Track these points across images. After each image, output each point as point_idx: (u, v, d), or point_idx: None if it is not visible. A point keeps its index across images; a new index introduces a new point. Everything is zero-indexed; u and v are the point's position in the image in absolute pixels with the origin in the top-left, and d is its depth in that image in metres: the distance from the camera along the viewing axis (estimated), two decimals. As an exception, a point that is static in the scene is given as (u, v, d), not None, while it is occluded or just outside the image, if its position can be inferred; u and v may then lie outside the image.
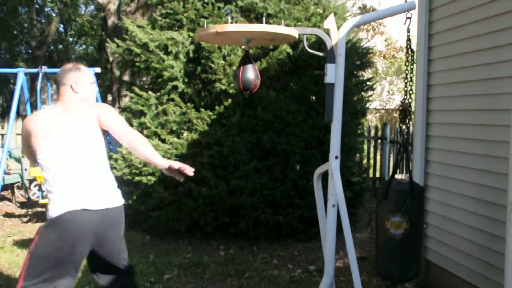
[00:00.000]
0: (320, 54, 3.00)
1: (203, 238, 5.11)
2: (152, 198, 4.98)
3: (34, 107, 8.48)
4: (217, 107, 5.04)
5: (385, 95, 13.74)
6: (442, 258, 3.66)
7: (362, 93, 5.89)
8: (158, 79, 5.23)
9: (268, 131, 5.04)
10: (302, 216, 5.00)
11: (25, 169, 6.91)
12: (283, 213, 4.98)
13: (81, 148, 2.42)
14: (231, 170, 4.95)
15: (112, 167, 4.73)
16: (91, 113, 2.47)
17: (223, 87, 4.99)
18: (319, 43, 5.04)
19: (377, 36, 14.17)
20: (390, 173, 3.34)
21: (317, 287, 3.09)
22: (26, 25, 20.47)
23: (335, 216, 2.94)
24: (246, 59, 2.86)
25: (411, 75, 3.29)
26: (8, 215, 6.32)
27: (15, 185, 7.17)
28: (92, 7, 22.71)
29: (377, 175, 7.75)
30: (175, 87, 5.19)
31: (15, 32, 20.35)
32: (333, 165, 2.90)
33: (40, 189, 6.23)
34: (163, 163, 2.42)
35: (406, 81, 3.28)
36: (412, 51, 3.26)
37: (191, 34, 5.16)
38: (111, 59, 11.53)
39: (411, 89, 3.30)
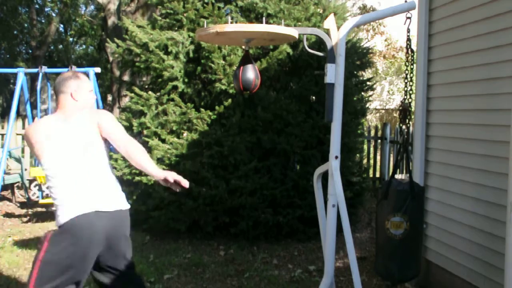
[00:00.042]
0: (320, 54, 3.00)
1: (203, 238, 5.11)
2: (152, 198, 4.98)
3: (34, 107, 8.49)
4: (217, 107, 5.04)
5: (385, 95, 13.74)
6: (442, 258, 3.66)
7: (362, 93, 5.89)
8: (158, 79, 5.23)
9: (268, 131, 5.04)
10: (302, 216, 5.00)
11: (25, 169, 6.91)
12: (283, 213, 4.98)
13: (84, 155, 2.44)
14: (231, 170, 4.95)
15: (112, 167, 4.73)
16: (91, 120, 2.50)
17: (223, 87, 4.99)
18: (319, 43, 5.04)
19: (377, 36, 14.17)
20: (390, 173, 3.34)
21: (317, 287, 3.09)
22: (26, 25, 20.48)
23: (335, 216, 2.94)
24: (246, 59, 2.86)
25: (411, 75, 3.29)
26: (8, 215, 6.32)
27: (15, 185, 7.17)
28: (92, 7, 22.72)
29: (377, 175, 7.75)
30: (175, 87, 5.19)
31: (15, 32, 20.36)
32: (333, 165, 2.90)
33: (40, 189, 6.23)
34: (159, 174, 2.38)
35: (406, 81, 3.28)
36: (412, 51, 3.26)
37: (191, 34, 5.16)
38: (111, 59, 11.53)
39: (411, 89, 3.30)
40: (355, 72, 5.66)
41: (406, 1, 3.01)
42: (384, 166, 7.58)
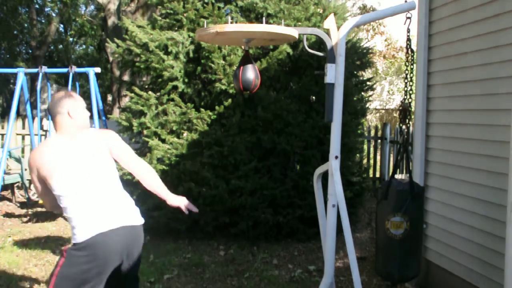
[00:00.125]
0: (320, 54, 3.00)
1: (203, 238, 5.11)
2: (152, 198, 4.96)
3: (34, 107, 8.49)
4: (217, 107, 5.04)
5: (385, 95, 13.73)
6: (442, 258, 3.66)
7: (362, 93, 5.89)
8: (158, 79, 5.23)
9: (268, 131, 5.04)
10: (302, 216, 5.00)
11: (25, 169, 6.90)
12: (283, 213, 4.98)
13: (95, 174, 2.45)
14: (231, 170, 4.95)
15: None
16: (99, 139, 2.53)
17: (223, 87, 4.99)
18: (319, 43, 5.04)
19: (377, 36, 14.17)
20: (390, 173, 3.34)
21: (317, 287, 3.09)
22: (26, 25, 20.48)
23: (335, 216, 2.94)
24: (246, 59, 2.87)
25: (411, 75, 3.29)
26: (8, 215, 6.32)
27: (15, 185, 7.17)
28: (92, 7, 22.72)
29: (377, 175, 7.75)
30: (175, 87, 5.19)
31: (15, 32, 20.36)
32: (333, 165, 2.90)
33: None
34: (173, 201, 2.62)
35: (406, 81, 3.29)
36: (412, 51, 3.26)
37: (191, 34, 5.16)
38: (111, 59, 11.54)
39: (411, 89, 3.31)
40: (355, 72, 5.66)
41: (406, 1, 3.01)
42: (384, 166, 7.58)
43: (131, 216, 2.51)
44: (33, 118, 6.36)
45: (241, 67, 2.84)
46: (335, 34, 2.90)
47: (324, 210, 3.16)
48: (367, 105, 6.13)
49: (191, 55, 5.17)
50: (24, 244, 4.97)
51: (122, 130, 5.40)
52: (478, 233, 3.24)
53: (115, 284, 2.51)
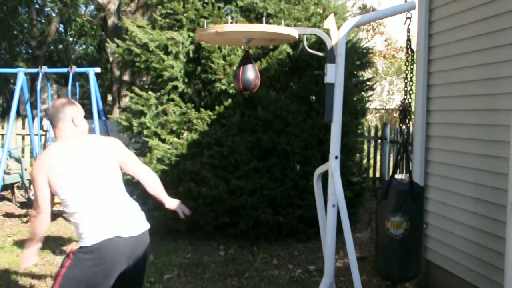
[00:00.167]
0: (320, 54, 3.00)
1: (203, 238, 5.11)
2: (152, 198, 4.96)
3: (34, 107, 8.49)
4: (217, 107, 5.04)
5: (385, 95, 13.74)
6: (442, 258, 3.65)
7: (362, 93, 5.89)
8: (158, 79, 5.23)
9: (268, 131, 5.04)
10: (302, 216, 5.00)
11: (25, 169, 6.91)
12: (283, 213, 4.98)
13: (102, 179, 2.47)
14: (231, 170, 4.95)
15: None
16: (105, 146, 2.55)
17: (223, 87, 4.99)
18: (319, 43, 5.04)
19: (377, 36, 14.17)
20: (390, 173, 3.34)
21: (317, 287, 3.09)
22: (26, 25, 20.49)
23: (335, 216, 2.94)
24: (246, 59, 2.86)
25: (411, 75, 3.29)
26: (8, 215, 6.32)
27: (15, 185, 7.17)
28: (92, 7, 22.73)
29: (377, 175, 7.75)
30: (175, 87, 5.19)
31: (15, 32, 20.36)
32: (333, 165, 2.90)
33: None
34: (172, 205, 2.88)
35: (406, 81, 3.29)
36: (412, 51, 3.26)
37: (191, 34, 5.16)
38: (111, 59, 11.54)
39: (411, 89, 3.31)
40: (355, 72, 5.66)
41: (406, 1, 3.01)
42: (384, 166, 7.58)
43: (139, 223, 2.54)
44: (33, 118, 6.36)
45: (241, 67, 2.84)
46: (335, 34, 2.90)
47: (324, 210, 3.16)
48: (367, 105, 6.13)
49: (191, 55, 5.17)
50: (24, 244, 4.96)
51: (122, 130, 5.40)
52: (478, 233, 3.24)
53: (121, 287, 2.52)
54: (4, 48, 21.20)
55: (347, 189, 5.07)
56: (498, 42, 3.08)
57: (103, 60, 20.07)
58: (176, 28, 5.33)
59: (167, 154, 5.00)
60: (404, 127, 3.31)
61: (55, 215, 6.21)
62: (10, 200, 7.09)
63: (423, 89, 3.85)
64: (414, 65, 3.39)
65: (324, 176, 3.13)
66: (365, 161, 7.41)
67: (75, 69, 5.57)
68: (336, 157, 2.90)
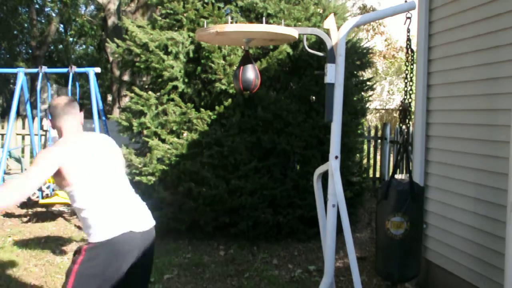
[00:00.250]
0: (320, 54, 3.00)
1: (203, 238, 5.11)
2: (152, 198, 4.98)
3: (34, 107, 8.49)
4: (217, 107, 5.04)
5: (385, 95, 13.73)
6: (442, 258, 3.66)
7: (362, 93, 5.89)
8: (158, 79, 5.23)
9: (268, 131, 5.04)
10: (302, 216, 5.00)
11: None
12: (283, 213, 4.98)
13: (115, 174, 2.50)
14: (231, 170, 4.95)
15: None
16: (109, 142, 2.61)
17: (223, 87, 4.99)
18: (319, 43, 5.04)
19: (377, 36, 14.17)
20: (390, 173, 3.34)
21: (317, 287, 3.09)
22: (26, 25, 20.49)
23: (335, 216, 2.94)
24: (246, 59, 2.86)
25: (411, 75, 3.29)
26: (8, 215, 6.32)
27: (15, 185, 7.15)
28: (92, 7, 22.73)
29: (377, 175, 7.75)
30: (175, 87, 5.19)
31: (15, 32, 20.37)
32: (333, 165, 2.90)
33: (40, 189, 6.23)
34: None
35: (406, 81, 3.29)
36: (412, 51, 3.26)
37: (191, 34, 5.16)
38: (111, 59, 11.54)
39: (411, 89, 3.30)
40: (355, 72, 5.66)
41: (406, 1, 3.01)
42: (384, 166, 7.58)
43: (148, 219, 2.58)
44: (33, 118, 6.36)
45: (241, 67, 2.84)
46: (335, 34, 2.90)
47: (324, 210, 3.16)
48: (367, 105, 6.13)
49: (191, 55, 5.17)
50: (24, 244, 4.97)
51: (122, 130, 5.40)
52: (478, 233, 3.24)
53: (131, 284, 2.52)
54: (4, 48, 21.20)
55: (347, 189, 5.07)
56: (498, 42, 3.08)
57: (103, 60, 20.08)
58: (176, 28, 5.33)
59: (167, 154, 5.00)
60: (404, 127, 3.31)
61: (55, 215, 6.21)
62: (10, 200, 7.07)
63: (423, 89, 3.85)
64: (414, 65, 3.39)
65: (324, 176, 3.13)
66: (365, 161, 7.41)
67: (75, 69, 5.57)
68: (336, 157, 2.90)
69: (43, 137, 7.44)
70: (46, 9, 20.64)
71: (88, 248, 2.37)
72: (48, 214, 6.21)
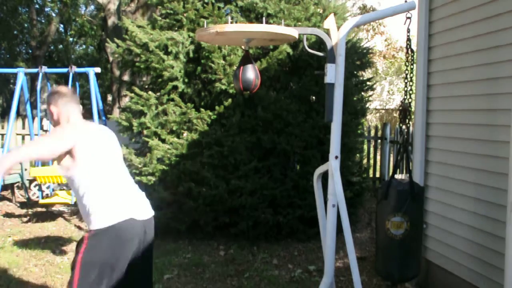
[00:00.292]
0: (320, 54, 3.00)
1: (203, 238, 5.11)
2: (152, 198, 4.96)
3: (34, 107, 8.48)
4: (217, 107, 5.04)
5: (385, 95, 13.73)
6: (442, 258, 3.66)
7: (362, 93, 5.89)
8: (158, 79, 5.23)
9: (268, 131, 5.04)
10: (302, 216, 5.00)
11: (25, 169, 6.90)
12: (283, 213, 4.98)
13: (119, 163, 2.57)
14: (231, 170, 4.95)
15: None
16: (112, 134, 2.69)
17: (223, 87, 4.99)
18: (319, 43, 5.03)
19: (377, 36, 14.17)
20: (390, 173, 3.34)
21: (317, 287, 3.09)
22: (26, 25, 20.48)
23: (335, 216, 2.94)
24: (246, 59, 2.86)
25: (411, 75, 3.29)
26: (8, 215, 6.32)
27: (15, 185, 7.17)
28: (92, 7, 22.72)
29: (377, 175, 7.75)
30: (175, 87, 5.19)
31: (15, 32, 20.36)
32: (333, 165, 2.90)
33: (40, 189, 6.23)
34: None
35: (406, 81, 3.29)
36: (412, 51, 3.26)
37: (191, 34, 5.16)
38: (111, 59, 11.54)
39: (411, 89, 3.30)
40: (355, 72, 5.66)
41: (406, 1, 3.01)
42: (384, 166, 7.57)
43: (149, 208, 2.63)
44: (33, 118, 6.36)
45: (241, 67, 2.84)
46: (335, 34, 2.90)
47: (324, 210, 3.16)
48: (367, 105, 6.13)
49: (191, 55, 5.17)
50: (24, 244, 4.97)
51: (122, 130, 5.40)
52: (478, 233, 3.24)
53: (134, 273, 2.53)
54: (4, 48, 21.20)
55: (347, 189, 5.06)
56: (498, 42, 3.08)
57: (103, 60, 20.07)
58: (176, 28, 5.33)
59: (167, 154, 4.99)
60: (404, 127, 3.31)
61: (55, 215, 6.21)
62: (10, 200, 7.09)
63: (423, 89, 3.85)
64: (414, 65, 3.39)
65: (324, 176, 3.13)
66: (365, 161, 7.41)
67: (75, 69, 5.57)
68: (336, 157, 2.90)
69: (43, 137, 7.43)
70: (46, 9, 20.63)
71: (90, 236, 2.38)
72: (48, 214, 6.21)
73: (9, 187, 7.03)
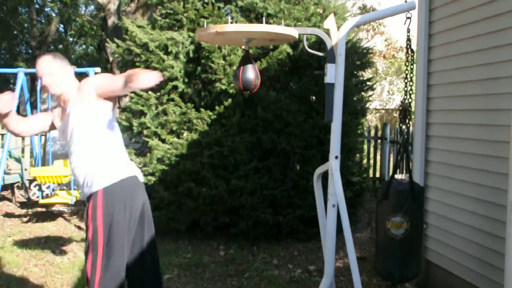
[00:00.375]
0: (320, 54, 3.00)
1: (203, 238, 5.11)
2: (152, 198, 4.98)
3: (34, 107, 8.48)
4: (217, 107, 5.04)
5: (385, 95, 13.74)
6: (442, 258, 3.66)
7: (362, 93, 5.89)
8: (158, 79, 5.22)
9: (268, 131, 5.04)
10: (302, 216, 5.00)
11: (25, 169, 6.91)
12: (283, 213, 4.98)
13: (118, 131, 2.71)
14: (231, 170, 4.95)
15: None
16: None
17: (223, 87, 4.99)
18: (319, 43, 5.03)
19: (377, 36, 14.17)
20: (390, 173, 3.34)
21: (317, 287, 3.09)
22: (26, 25, 20.49)
23: (335, 216, 2.94)
24: (246, 59, 2.86)
25: (411, 75, 3.29)
26: (8, 215, 6.32)
27: (15, 185, 7.17)
28: (92, 7, 22.73)
29: (377, 175, 7.75)
30: (175, 87, 5.19)
31: (15, 32, 20.37)
32: (333, 165, 2.90)
33: (40, 189, 6.23)
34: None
35: (406, 81, 3.28)
36: (412, 51, 3.26)
37: (191, 34, 5.16)
38: (111, 59, 11.53)
39: (411, 89, 3.30)
40: (355, 72, 5.66)
41: (406, 1, 3.01)
42: (384, 166, 7.58)
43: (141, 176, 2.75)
44: (33, 118, 6.34)
45: (241, 67, 2.84)
46: (335, 34, 2.90)
47: (324, 210, 3.16)
48: (367, 105, 6.13)
49: (191, 55, 5.17)
50: (24, 244, 4.97)
51: (122, 130, 5.39)
52: (478, 233, 3.24)
53: (139, 245, 2.60)
54: (4, 48, 21.21)
55: (347, 189, 5.07)
56: (498, 42, 3.08)
57: (103, 60, 20.05)
58: (176, 28, 5.33)
59: (167, 154, 5.00)
60: (404, 127, 3.30)
61: (55, 215, 6.21)
62: (10, 200, 7.09)
63: (423, 89, 3.85)
64: (414, 65, 3.39)
65: (324, 176, 3.13)
66: (365, 161, 7.41)
67: (75, 69, 5.56)
68: (336, 157, 2.90)
69: (43, 137, 7.44)
70: (46, 9, 20.65)
71: (104, 191, 2.42)
72: (48, 214, 6.21)
73: (9, 187, 7.03)
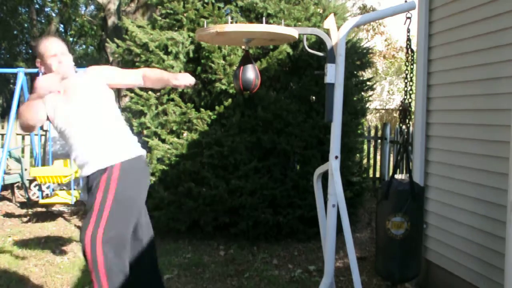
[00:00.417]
0: (320, 54, 3.00)
1: (203, 238, 5.11)
2: (152, 198, 4.98)
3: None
4: (217, 107, 5.04)
5: (385, 95, 13.74)
6: (442, 258, 3.66)
7: (362, 93, 5.89)
8: (158, 79, 5.22)
9: (268, 131, 5.04)
10: (302, 216, 5.00)
11: (25, 169, 6.90)
12: (283, 213, 4.98)
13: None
14: (231, 170, 4.95)
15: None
16: None
17: (223, 87, 4.99)
18: (319, 43, 5.03)
19: (377, 36, 14.17)
20: (390, 173, 3.34)
21: (317, 287, 3.09)
22: (26, 25, 20.50)
23: (335, 216, 2.94)
24: (246, 59, 2.86)
25: (411, 75, 3.29)
26: (8, 215, 6.32)
27: (15, 185, 7.17)
28: (92, 7, 22.73)
29: (377, 175, 7.75)
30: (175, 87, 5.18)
31: (15, 32, 20.37)
32: (333, 165, 2.90)
33: (40, 189, 6.23)
34: (180, 81, 2.83)
35: (406, 81, 3.28)
36: (412, 51, 3.26)
37: (191, 34, 5.16)
38: (111, 59, 11.52)
39: (411, 89, 3.30)
40: (355, 72, 5.66)
41: (406, 1, 3.01)
42: (384, 166, 7.58)
43: None
44: (33, 118, 6.33)
45: (241, 67, 2.84)
46: (335, 34, 2.90)
47: (324, 210, 3.16)
48: (367, 105, 6.13)
49: (191, 55, 5.17)
50: (24, 244, 4.97)
51: (122, 130, 5.40)
52: (478, 233, 3.24)
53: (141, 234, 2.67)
54: (4, 48, 21.21)
55: (347, 189, 5.07)
56: (498, 42, 3.08)
57: (103, 60, 20.04)
58: (176, 28, 5.33)
59: (167, 154, 5.00)
60: (404, 127, 3.30)
61: (55, 215, 6.21)
62: (10, 200, 7.09)
63: (423, 89, 3.85)
64: (414, 65, 3.38)
65: (324, 176, 3.13)
66: (365, 161, 7.41)
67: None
68: (336, 157, 2.90)
69: (43, 137, 7.44)
70: (46, 9, 20.65)
71: (120, 166, 2.44)
72: (48, 214, 6.21)
73: (9, 187, 7.03)
